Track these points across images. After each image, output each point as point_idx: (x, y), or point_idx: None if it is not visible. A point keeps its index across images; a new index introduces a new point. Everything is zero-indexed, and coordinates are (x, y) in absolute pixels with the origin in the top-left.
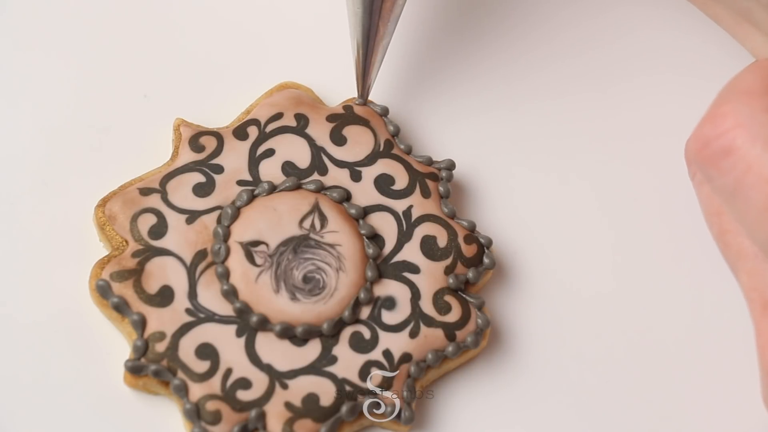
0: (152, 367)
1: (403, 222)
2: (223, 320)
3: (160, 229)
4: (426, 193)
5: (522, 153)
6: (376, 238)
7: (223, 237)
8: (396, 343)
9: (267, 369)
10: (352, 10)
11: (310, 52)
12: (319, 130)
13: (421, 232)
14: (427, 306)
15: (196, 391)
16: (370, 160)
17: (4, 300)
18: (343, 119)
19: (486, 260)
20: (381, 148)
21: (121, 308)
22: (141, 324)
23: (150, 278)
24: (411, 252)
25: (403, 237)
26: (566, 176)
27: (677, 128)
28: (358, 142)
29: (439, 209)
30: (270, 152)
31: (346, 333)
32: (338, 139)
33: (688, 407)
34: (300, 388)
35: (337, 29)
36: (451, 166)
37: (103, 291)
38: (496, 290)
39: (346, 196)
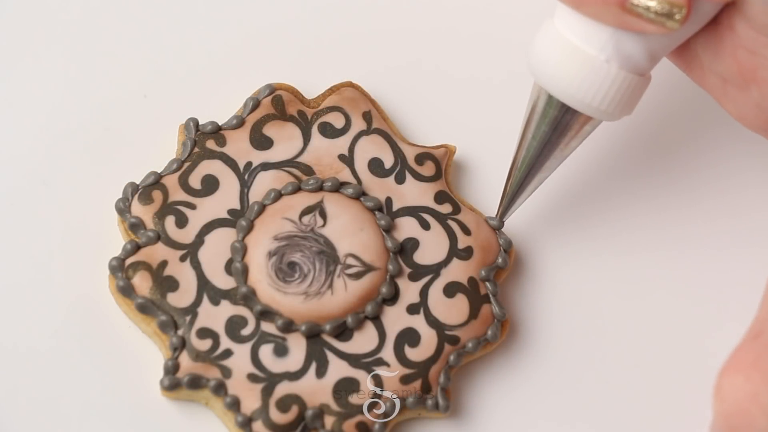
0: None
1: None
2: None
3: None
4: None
5: None
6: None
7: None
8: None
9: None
10: (528, 135)
11: (310, 52)
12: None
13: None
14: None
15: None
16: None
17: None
18: None
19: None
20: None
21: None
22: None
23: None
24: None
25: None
26: (586, 174)
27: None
28: None
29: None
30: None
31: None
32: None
33: (704, 397)
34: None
35: (337, 29)
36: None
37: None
38: (514, 284)
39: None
